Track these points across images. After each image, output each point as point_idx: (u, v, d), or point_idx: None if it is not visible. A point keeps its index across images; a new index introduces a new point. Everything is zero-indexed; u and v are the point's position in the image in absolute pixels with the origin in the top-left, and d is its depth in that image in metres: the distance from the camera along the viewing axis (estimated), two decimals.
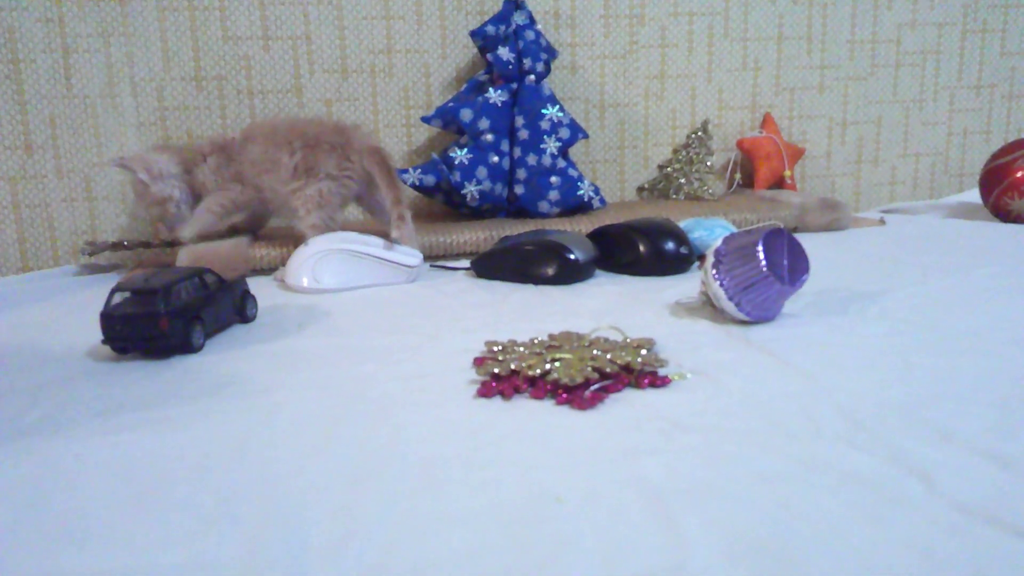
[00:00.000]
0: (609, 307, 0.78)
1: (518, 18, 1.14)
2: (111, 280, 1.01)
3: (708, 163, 1.27)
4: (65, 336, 0.75)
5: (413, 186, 1.11)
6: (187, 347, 0.67)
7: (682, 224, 0.99)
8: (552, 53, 1.17)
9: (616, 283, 0.88)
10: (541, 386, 0.54)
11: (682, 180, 1.27)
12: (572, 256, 0.88)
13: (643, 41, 1.26)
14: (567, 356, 0.56)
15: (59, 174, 1.09)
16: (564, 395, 0.52)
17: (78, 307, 0.87)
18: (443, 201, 1.15)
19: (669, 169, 1.29)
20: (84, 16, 1.06)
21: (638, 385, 0.55)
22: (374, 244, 0.92)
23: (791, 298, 0.76)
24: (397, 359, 0.64)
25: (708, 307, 0.75)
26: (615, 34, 1.25)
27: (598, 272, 0.93)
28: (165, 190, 0.97)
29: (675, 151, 1.30)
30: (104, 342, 0.65)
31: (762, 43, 1.31)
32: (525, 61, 1.12)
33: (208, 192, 1.01)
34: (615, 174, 1.29)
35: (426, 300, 0.84)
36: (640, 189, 1.31)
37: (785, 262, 0.69)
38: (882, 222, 1.20)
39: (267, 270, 0.99)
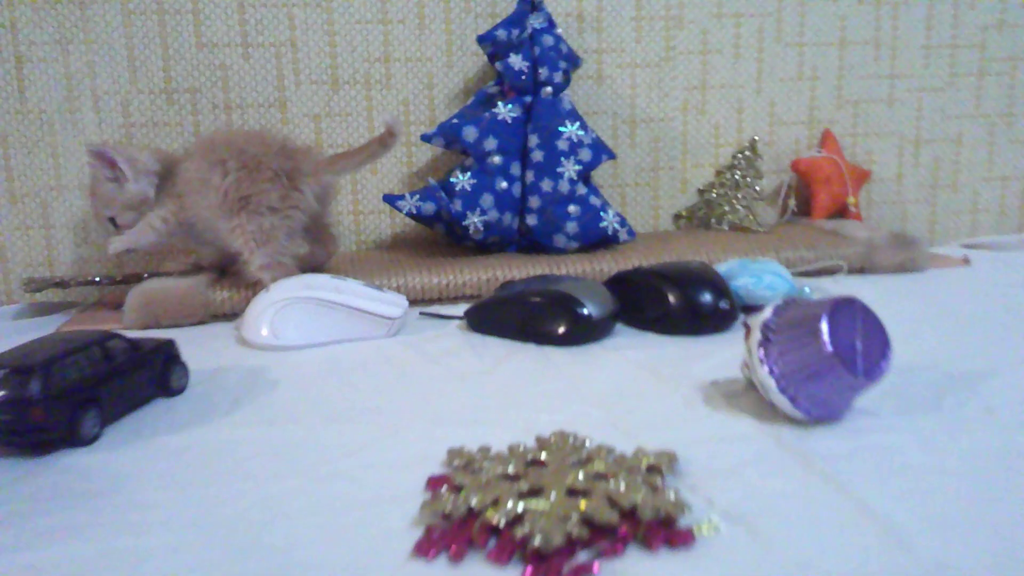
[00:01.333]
0: (625, 384, 0.61)
1: (534, 21, 0.98)
2: (56, 322, 0.88)
3: (757, 188, 1.09)
4: None
5: (409, 214, 0.96)
6: (74, 439, 0.52)
7: (723, 268, 0.82)
8: (574, 61, 1.01)
9: (638, 345, 0.71)
10: (506, 542, 0.38)
11: (726, 207, 1.09)
12: (584, 311, 0.72)
13: (681, 47, 1.09)
14: (543, 506, 0.40)
15: (12, 198, 0.96)
16: (534, 566, 0.36)
17: None
18: (445, 233, 0.99)
19: (711, 195, 1.11)
20: (39, 21, 0.94)
21: (647, 544, 0.38)
22: (348, 291, 0.77)
23: None
24: (333, 470, 0.48)
25: (752, 391, 0.58)
26: (648, 39, 1.08)
27: (619, 327, 0.76)
28: (145, 190, 0.85)
29: (718, 173, 1.12)
30: None
31: (821, 48, 1.12)
32: (541, 70, 0.96)
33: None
34: (648, 200, 1.12)
35: (401, 365, 0.68)
36: (677, 217, 1.14)
37: (858, 344, 0.51)
38: (966, 261, 1.01)
39: (231, 315, 0.85)
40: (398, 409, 0.58)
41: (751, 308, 0.80)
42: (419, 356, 0.71)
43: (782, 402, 0.52)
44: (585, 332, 0.72)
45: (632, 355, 0.69)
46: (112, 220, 0.86)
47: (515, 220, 0.98)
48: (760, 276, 0.80)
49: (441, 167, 1.06)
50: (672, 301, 0.74)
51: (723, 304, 0.74)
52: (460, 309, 0.84)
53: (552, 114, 0.96)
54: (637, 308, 0.77)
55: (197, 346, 0.75)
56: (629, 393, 0.60)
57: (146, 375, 0.60)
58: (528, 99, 0.97)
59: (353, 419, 0.56)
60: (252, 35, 0.99)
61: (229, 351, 0.75)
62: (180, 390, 0.63)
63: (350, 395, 0.61)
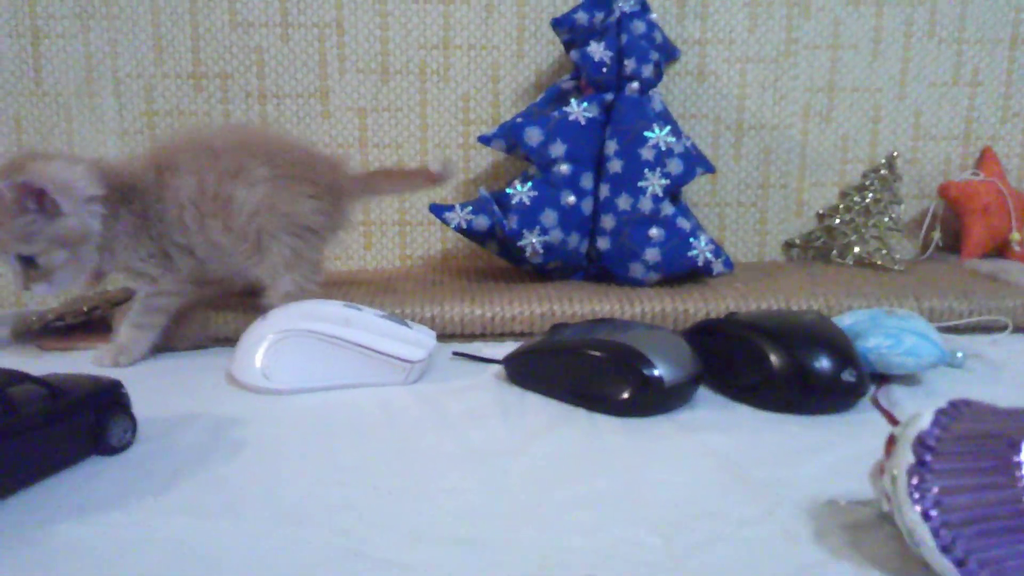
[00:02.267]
0: (699, 492, 0.43)
1: (625, 3, 0.81)
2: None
3: (893, 215, 0.88)
4: None
5: (459, 229, 0.80)
6: None
7: (846, 321, 0.62)
8: (670, 53, 0.83)
9: (725, 425, 0.53)
10: None
11: (852, 237, 0.88)
12: (655, 373, 0.54)
13: (806, 39, 0.89)
14: None
15: None
16: None
17: None
18: (498, 253, 0.83)
19: (834, 221, 0.90)
20: None
21: None
22: (361, 324, 0.62)
23: None
24: None
25: (890, 526, 0.39)
26: (765, 29, 0.88)
27: (701, 391, 0.58)
28: (86, 223, 0.62)
29: (844, 195, 0.91)
30: None
31: (985, 47, 0.90)
32: (627, 62, 0.78)
33: (118, 253, 0.65)
34: (752, 223, 0.92)
35: (406, 430, 0.52)
36: (789, 246, 0.93)
37: None
38: None
39: (234, 340, 0.71)
40: (378, 507, 0.42)
41: (882, 379, 0.60)
42: (434, 417, 0.55)
43: (943, 566, 0.33)
44: (654, 401, 0.54)
45: (714, 441, 0.50)
46: (30, 259, 0.62)
47: (583, 243, 0.80)
48: (899, 337, 0.59)
49: (504, 175, 0.90)
50: (775, 365, 0.55)
51: (847, 375, 0.55)
52: (504, 351, 0.67)
53: (637, 115, 0.78)
54: (727, 369, 0.58)
55: (176, 381, 0.62)
56: (703, 509, 0.41)
57: (71, 430, 0.46)
58: (609, 97, 0.79)
59: (311, 521, 0.41)
60: (293, 14, 0.86)
61: (210, 391, 0.61)
62: (122, 447, 0.49)
63: (324, 476, 0.46)
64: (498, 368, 0.64)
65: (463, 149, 0.89)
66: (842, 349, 0.56)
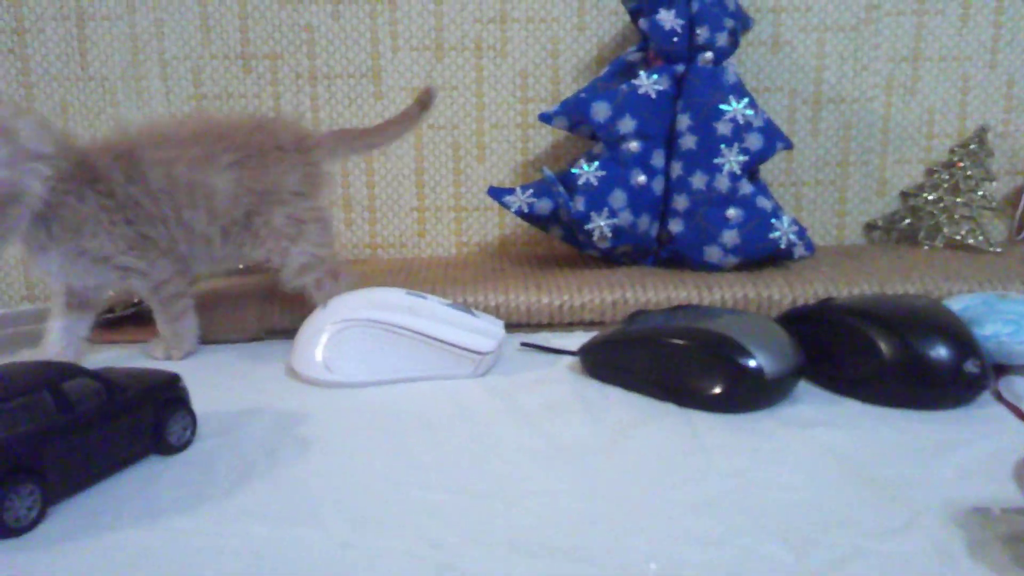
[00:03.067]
0: (823, 494, 0.38)
1: None
2: None
3: (986, 193, 0.82)
4: None
5: (520, 213, 0.76)
6: None
7: (956, 307, 0.57)
8: (744, 21, 0.77)
9: (835, 421, 0.48)
10: None
11: (941, 218, 0.82)
12: (753, 364, 0.49)
13: (889, 5, 0.83)
14: None
15: None
16: None
17: None
18: (562, 238, 0.78)
19: (920, 200, 0.84)
20: None
21: None
22: (427, 313, 0.58)
23: None
24: None
25: None
26: None
27: (801, 386, 0.53)
28: (21, 180, 0.53)
29: (931, 173, 0.85)
30: None
31: None
32: (699, 31, 0.73)
33: (86, 238, 0.58)
34: (831, 204, 0.87)
35: (484, 426, 0.48)
36: (871, 228, 0.87)
37: None
38: None
39: (292, 331, 0.68)
40: (466, 513, 0.38)
41: (999, 369, 0.55)
42: (511, 412, 0.51)
43: None
44: (754, 395, 0.50)
45: (827, 438, 0.45)
46: None
47: (654, 225, 0.75)
48: (1020, 323, 0.54)
49: (564, 155, 0.85)
50: (887, 355, 0.50)
51: (970, 365, 0.49)
52: (575, 341, 0.63)
53: (712, 88, 0.72)
54: (828, 360, 0.53)
55: (234, 375, 0.59)
56: (833, 518, 0.37)
57: (129, 428, 0.43)
58: (680, 68, 0.74)
59: (396, 529, 0.37)
60: None
61: (270, 384, 0.57)
62: (182, 446, 0.46)
63: (402, 477, 0.42)
64: (572, 360, 0.60)
65: (521, 128, 0.85)
66: (962, 337, 0.51)
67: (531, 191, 0.76)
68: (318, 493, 0.40)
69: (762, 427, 0.47)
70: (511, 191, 0.76)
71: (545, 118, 0.77)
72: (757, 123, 0.72)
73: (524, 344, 0.64)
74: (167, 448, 0.45)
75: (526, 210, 0.76)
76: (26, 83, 0.82)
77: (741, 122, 0.71)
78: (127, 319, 0.71)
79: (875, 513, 0.37)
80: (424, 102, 0.69)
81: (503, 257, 0.85)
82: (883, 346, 0.50)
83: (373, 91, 0.84)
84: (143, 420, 0.44)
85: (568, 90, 0.83)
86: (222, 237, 0.63)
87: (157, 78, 0.82)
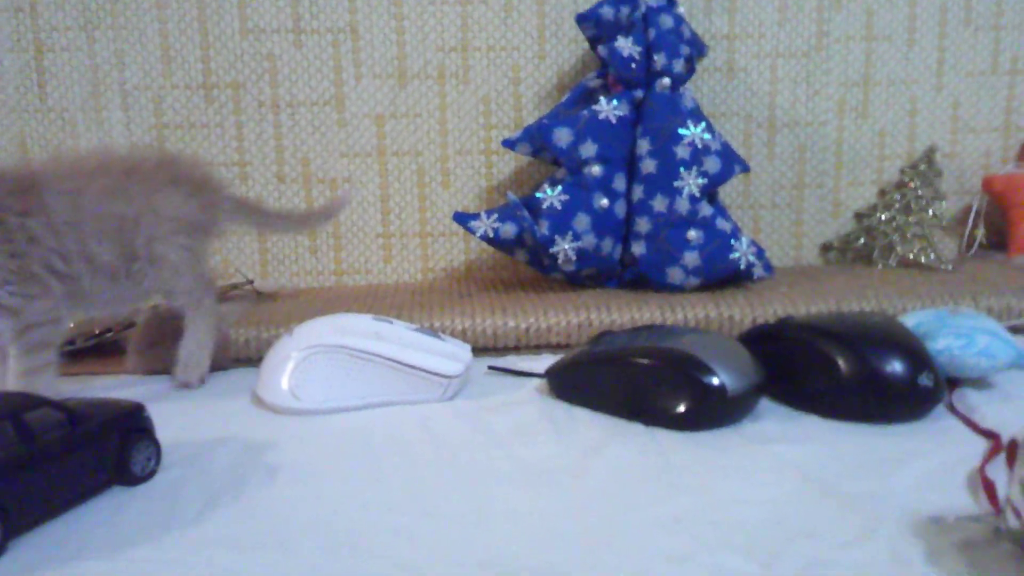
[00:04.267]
0: (786, 509, 0.39)
1: None
2: None
3: (935, 212, 0.84)
4: None
5: (485, 238, 0.76)
6: None
7: (909, 322, 0.59)
8: (699, 48, 0.80)
9: (796, 437, 0.49)
10: None
11: (894, 237, 0.84)
12: (716, 382, 0.50)
13: (838, 32, 0.86)
14: None
15: None
16: None
17: None
18: (527, 262, 0.79)
19: (874, 220, 0.87)
20: (62, 2, 0.80)
21: None
22: (394, 338, 0.58)
23: None
24: None
25: (1007, 544, 0.35)
26: (796, 21, 0.85)
27: (763, 403, 0.54)
28: None
29: (883, 193, 0.88)
30: None
31: None
32: (656, 57, 0.75)
33: None
34: (788, 225, 0.89)
35: (453, 449, 0.48)
36: (826, 248, 0.90)
37: None
38: None
39: (257, 360, 0.67)
40: (436, 534, 0.38)
41: (952, 382, 0.56)
42: (480, 434, 0.51)
43: None
44: (717, 412, 0.50)
45: (789, 453, 0.46)
46: None
47: (617, 248, 0.76)
48: (971, 337, 0.56)
49: (528, 180, 0.86)
50: (845, 371, 0.51)
51: (924, 379, 0.51)
52: (542, 364, 0.64)
53: (670, 112, 0.74)
54: (788, 377, 0.54)
55: (200, 404, 0.58)
56: (796, 530, 0.37)
57: (92, 458, 0.42)
58: (639, 94, 0.76)
59: (367, 551, 0.37)
60: (306, 19, 0.82)
61: (237, 413, 0.57)
62: (146, 476, 0.45)
63: (371, 500, 0.42)
64: (539, 382, 0.61)
65: (485, 154, 0.86)
66: (915, 351, 0.52)
67: (496, 216, 0.77)
68: (286, 519, 0.40)
69: (726, 444, 0.48)
70: (476, 216, 0.77)
71: (508, 144, 0.78)
72: (715, 147, 0.74)
73: (491, 367, 0.64)
74: (131, 478, 0.44)
75: (491, 235, 0.77)
76: None
77: (699, 146, 0.73)
78: (88, 351, 0.70)
79: (836, 524, 0.38)
80: (332, 210, 0.70)
81: (469, 282, 0.85)
82: (841, 362, 0.52)
83: (336, 118, 0.84)
84: (107, 450, 0.43)
85: (530, 116, 0.85)
86: (125, 271, 0.60)
87: (118, 108, 0.82)
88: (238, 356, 0.68)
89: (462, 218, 0.77)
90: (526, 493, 0.42)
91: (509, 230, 0.76)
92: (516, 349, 0.69)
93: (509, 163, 0.86)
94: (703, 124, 0.74)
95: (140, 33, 0.81)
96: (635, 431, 0.50)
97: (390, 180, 0.86)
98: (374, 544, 0.37)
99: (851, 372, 0.51)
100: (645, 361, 0.52)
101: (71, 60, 0.81)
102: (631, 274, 0.77)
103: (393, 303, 0.75)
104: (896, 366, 0.51)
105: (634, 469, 0.45)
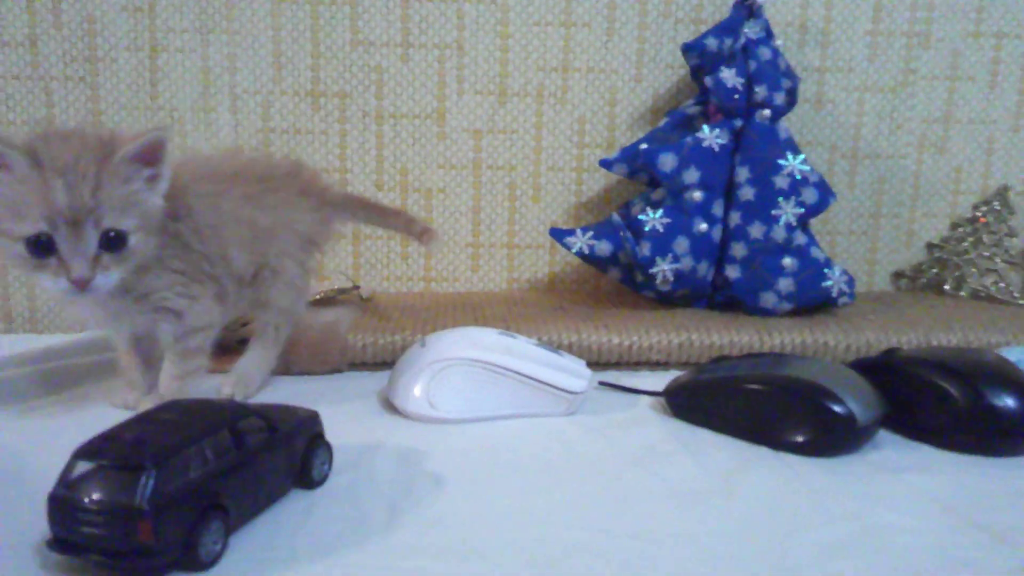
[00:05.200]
0: (940, 537, 0.42)
1: (750, 30, 0.80)
2: None
3: (1007, 248, 0.88)
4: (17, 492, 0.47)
5: (580, 254, 0.79)
6: (190, 563, 0.38)
7: (1011, 356, 0.62)
8: (794, 79, 0.83)
9: (920, 466, 0.52)
10: None
11: (967, 269, 0.88)
12: (845, 411, 0.53)
13: (925, 70, 0.89)
14: None
15: None
16: None
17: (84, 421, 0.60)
18: (619, 279, 0.82)
19: (945, 251, 0.90)
20: (180, 5, 0.82)
21: None
22: (522, 353, 0.61)
23: None
24: None
25: None
26: (885, 58, 0.88)
27: (881, 433, 0.57)
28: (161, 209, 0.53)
29: (955, 226, 0.91)
30: (50, 545, 0.37)
31: None
32: (758, 89, 0.78)
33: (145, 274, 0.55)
34: (863, 252, 0.92)
35: (602, 470, 0.51)
36: (898, 276, 0.93)
37: None
38: None
39: (370, 364, 0.70)
40: (621, 553, 0.41)
41: None
42: (614, 451, 0.54)
43: None
44: (845, 441, 0.54)
45: (921, 482, 0.49)
46: (119, 236, 0.51)
47: (711, 270, 0.80)
48: None
49: (615, 199, 0.89)
50: (962, 404, 0.55)
51: None
52: (645, 381, 0.67)
53: (769, 143, 0.77)
54: (902, 409, 0.57)
55: (334, 407, 0.61)
56: (957, 559, 0.40)
57: (285, 463, 0.45)
58: (738, 123, 0.79)
59: (563, 567, 0.40)
60: (415, 34, 0.85)
61: (372, 419, 0.59)
62: (320, 481, 0.48)
63: (545, 516, 0.45)
64: (651, 400, 0.64)
65: (576, 172, 0.89)
66: None
67: (591, 233, 0.80)
68: (472, 530, 0.43)
69: (857, 471, 0.51)
70: (572, 232, 0.80)
71: (606, 164, 0.81)
72: (813, 178, 0.77)
73: (602, 383, 0.67)
74: (310, 482, 0.47)
75: (587, 251, 0.79)
76: (95, 111, 0.83)
77: (798, 177, 0.76)
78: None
79: (993, 556, 0.41)
80: (422, 235, 0.72)
81: (552, 294, 0.88)
82: (957, 396, 0.55)
83: (437, 131, 0.87)
84: (295, 455, 0.46)
85: (624, 137, 0.88)
86: (251, 278, 0.62)
87: (227, 111, 0.84)
88: (353, 360, 0.70)
89: (558, 234, 0.80)
90: (685, 514, 0.45)
91: (604, 248, 0.79)
92: (617, 365, 0.72)
93: (599, 181, 0.89)
94: (801, 156, 0.77)
95: (253, 39, 0.84)
96: (764, 455, 0.53)
97: (483, 192, 0.88)
98: (567, 560, 0.40)
99: (968, 406, 0.54)
100: (772, 387, 0.55)
101: (184, 61, 0.83)
102: (721, 296, 0.80)
103: (494, 314, 0.77)
104: (1009, 400, 0.54)
105: (780, 493, 0.48)
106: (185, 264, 0.57)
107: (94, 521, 0.36)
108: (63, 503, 0.36)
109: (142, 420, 0.40)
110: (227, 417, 0.41)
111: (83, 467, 0.37)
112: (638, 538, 0.42)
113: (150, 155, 0.52)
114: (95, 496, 0.36)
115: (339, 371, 0.70)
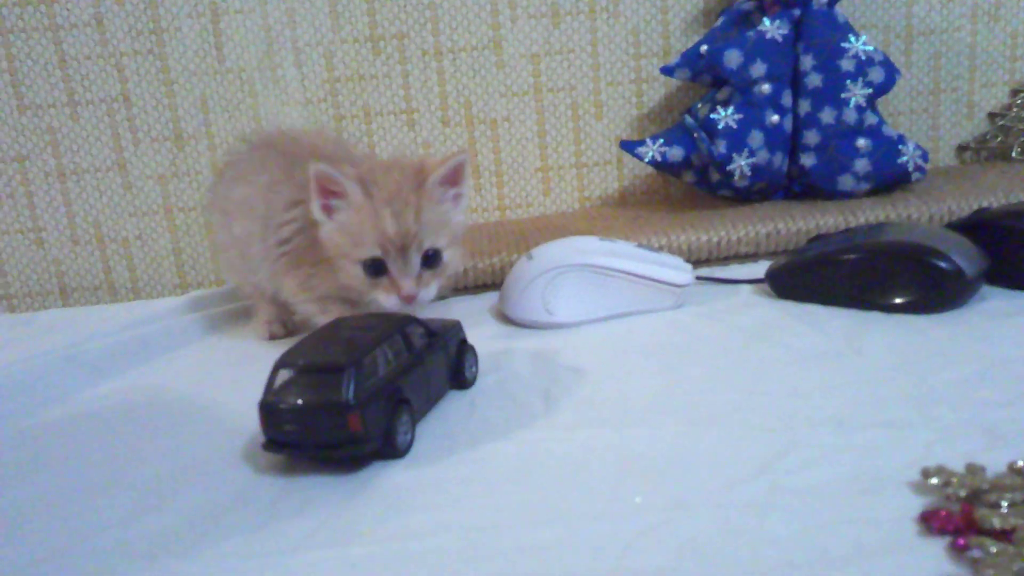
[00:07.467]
0: None
1: None
2: None
3: None
4: (220, 411, 0.52)
5: (653, 162, 0.81)
6: (389, 450, 0.41)
7: None
8: None
9: None
10: None
11: None
12: (953, 266, 0.55)
13: None
14: None
15: (215, 168, 0.88)
16: None
17: (240, 357, 0.64)
18: (693, 182, 0.84)
19: (1008, 119, 0.91)
20: None
21: None
22: (624, 254, 0.63)
23: None
24: (736, 476, 0.35)
25: None
26: None
27: (984, 289, 0.59)
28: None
29: (1016, 92, 0.92)
30: (265, 447, 0.41)
31: None
32: None
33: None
34: (925, 129, 0.93)
35: (721, 344, 0.54)
36: (962, 149, 0.94)
37: None
38: None
39: (473, 288, 0.73)
40: (783, 402, 0.44)
41: None
42: (736, 332, 0.57)
43: None
44: (955, 295, 0.56)
45: None
46: (436, 254, 0.58)
47: (785, 161, 0.81)
48: None
49: (677, 106, 0.91)
50: None
51: None
52: (738, 271, 0.70)
53: (831, 28, 0.78)
54: (1003, 261, 0.59)
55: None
56: None
57: (442, 364, 0.48)
58: (797, 12, 0.79)
59: (717, 420, 0.43)
60: None
61: (493, 330, 0.63)
62: (472, 381, 0.51)
63: (699, 383, 0.48)
64: (752, 287, 0.66)
65: (635, 84, 0.90)
66: None
67: (661, 140, 0.81)
68: (630, 402, 0.46)
69: (971, 320, 0.54)
70: (642, 143, 0.81)
71: (667, 71, 0.82)
72: (877, 57, 0.78)
73: (700, 278, 0.70)
74: (463, 382, 0.50)
75: (659, 159, 0.81)
76: (167, 80, 0.86)
77: (863, 57, 0.77)
78: None
79: None
80: None
81: (625, 207, 0.90)
82: None
83: (495, 60, 0.88)
84: (450, 358, 0.49)
85: (679, 43, 0.88)
86: None
87: (292, 65, 0.86)
88: (455, 286, 0.73)
89: (629, 145, 0.82)
90: (822, 371, 0.48)
91: (676, 153, 0.81)
92: (707, 261, 0.74)
93: (659, 90, 0.90)
94: (863, 37, 0.78)
95: None
96: (878, 317, 0.56)
97: (546, 116, 0.90)
98: (729, 416, 0.43)
99: None
100: (878, 254, 0.58)
101: (245, 22, 0.85)
102: (798, 185, 0.82)
103: (578, 230, 0.79)
104: None
105: (904, 346, 0.51)
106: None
107: (305, 419, 0.39)
108: (273, 408, 0.40)
109: (324, 333, 0.44)
110: (396, 324, 0.45)
111: (285, 375, 0.41)
112: (791, 395, 0.45)
113: (454, 176, 0.58)
114: (304, 397, 0.39)
115: (443, 297, 0.73)
